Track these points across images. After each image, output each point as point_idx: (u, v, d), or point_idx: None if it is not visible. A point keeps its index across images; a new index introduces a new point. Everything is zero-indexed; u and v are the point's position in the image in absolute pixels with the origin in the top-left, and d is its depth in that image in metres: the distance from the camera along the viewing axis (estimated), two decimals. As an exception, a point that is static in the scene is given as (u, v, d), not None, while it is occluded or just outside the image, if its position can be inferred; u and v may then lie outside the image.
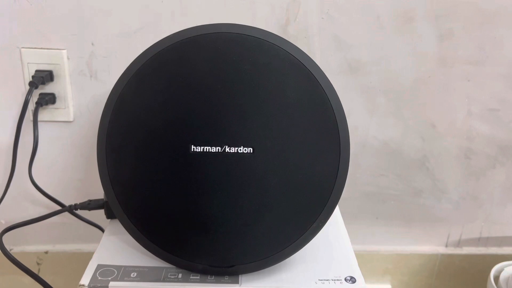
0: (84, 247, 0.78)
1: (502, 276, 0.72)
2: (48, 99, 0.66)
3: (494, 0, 0.66)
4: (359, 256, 0.50)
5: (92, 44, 0.65)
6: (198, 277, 0.45)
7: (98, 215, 0.59)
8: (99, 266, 0.46)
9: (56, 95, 0.67)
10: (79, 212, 0.63)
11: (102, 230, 0.70)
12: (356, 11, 0.66)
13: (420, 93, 0.72)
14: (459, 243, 0.84)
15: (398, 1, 0.66)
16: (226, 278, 0.45)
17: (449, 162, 0.77)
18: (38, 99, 0.65)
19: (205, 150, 0.42)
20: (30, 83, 0.63)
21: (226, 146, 0.42)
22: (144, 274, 0.45)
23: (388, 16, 0.66)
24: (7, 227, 0.54)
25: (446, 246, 0.84)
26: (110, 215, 0.54)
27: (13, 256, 0.51)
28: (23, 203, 0.74)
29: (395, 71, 0.70)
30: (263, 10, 0.65)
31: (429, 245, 0.84)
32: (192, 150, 0.42)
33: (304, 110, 0.44)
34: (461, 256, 0.84)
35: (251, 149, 0.42)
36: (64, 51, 0.65)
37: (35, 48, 0.64)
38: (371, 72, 0.70)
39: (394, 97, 0.72)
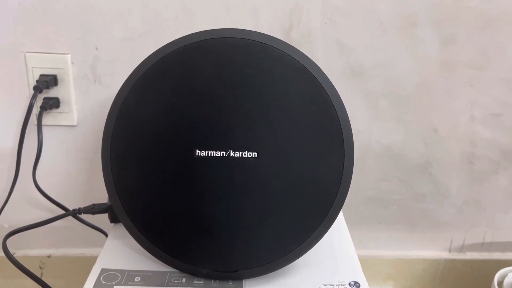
0: (87, 251, 0.78)
1: (506, 282, 0.72)
2: (52, 103, 0.66)
3: (496, 5, 0.66)
4: (362, 260, 0.50)
5: (96, 48, 0.65)
6: (202, 282, 0.45)
7: (102, 219, 0.59)
8: (103, 270, 0.46)
9: (60, 99, 0.67)
10: (82, 216, 0.63)
11: (106, 234, 0.70)
12: (359, 16, 0.66)
13: (423, 98, 0.72)
14: (462, 248, 0.84)
15: (400, 6, 0.66)
16: (230, 283, 0.45)
17: (452, 167, 0.77)
18: (42, 103, 0.65)
19: (209, 155, 0.42)
20: (35, 88, 0.63)
21: (231, 151, 0.42)
22: (148, 279, 0.45)
23: (390, 20, 0.67)
24: (11, 231, 0.54)
25: (449, 251, 0.84)
26: (114, 219, 0.54)
27: (16, 260, 0.51)
28: (27, 207, 0.74)
29: (397, 75, 0.70)
30: (267, 15, 0.65)
31: (432, 250, 0.84)
32: (196, 154, 0.42)
33: (308, 115, 0.44)
34: (464, 261, 0.84)
35: (256, 153, 0.42)
36: (68, 56, 0.65)
37: (39, 52, 0.65)
38: (374, 76, 0.70)
39: (396, 101, 0.72)
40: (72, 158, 0.71)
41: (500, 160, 0.77)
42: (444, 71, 0.70)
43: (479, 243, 0.84)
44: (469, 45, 0.69)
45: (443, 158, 0.76)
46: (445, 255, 0.84)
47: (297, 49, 0.45)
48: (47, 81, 0.64)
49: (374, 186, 0.78)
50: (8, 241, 0.53)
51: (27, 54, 0.64)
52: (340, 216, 0.58)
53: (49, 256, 0.77)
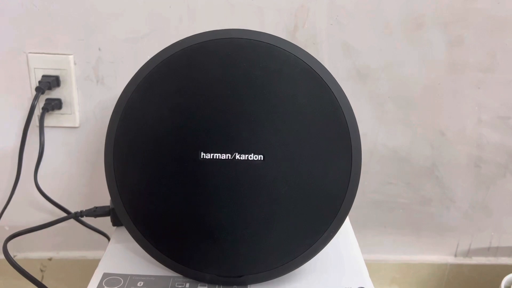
0: (89, 254, 0.77)
1: (514, 287, 0.71)
2: (54, 105, 0.65)
3: (504, 6, 0.66)
4: (366, 265, 0.49)
5: (99, 49, 0.65)
6: (206, 287, 0.44)
7: (104, 222, 0.58)
8: (105, 275, 0.45)
9: (63, 101, 0.66)
10: (84, 219, 0.63)
11: (108, 237, 0.70)
12: (365, 17, 0.65)
13: (430, 100, 0.71)
14: (468, 253, 0.83)
15: (407, 7, 0.65)
16: (235, 288, 0.44)
17: (459, 171, 0.76)
18: (44, 104, 0.65)
19: (214, 157, 0.41)
20: (37, 89, 0.63)
21: (236, 153, 0.41)
22: (151, 283, 0.44)
23: (397, 22, 0.66)
24: (12, 234, 0.53)
25: (455, 255, 0.83)
26: (116, 223, 0.53)
27: (17, 263, 0.51)
28: (28, 209, 0.73)
29: (404, 78, 0.69)
30: (271, 16, 0.64)
31: (438, 255, 0.83)
32: (201, 157, 0.41)
33: (315, 117, 0.43)
34: (471, 266, 0.83)
35: (262, 156, 0.42)
36: (71, 56, 0.65)
37: (41, 53, 0.64)
38: (380, 78, 0.69)
39: (403, 104, 0.71)
40: (74, 160, 0.71)
41: (508, 163, 0.76)
42: (451, 73, 0.69)
43: (486, 247, 0.83)
44: (477, 47, 0.68)
45: (450, 161, 0.75)
46: (451, 259, 0.83)
47: (304, 50, 0.44)
48: (49, 82, 0.64)
49: (380, 190, 0.77)
50: (9, 244, 0.52)
51: (29, 54, 0.64)
52: (346, 220, 0.57)
53: (50, 259, 0.77)
